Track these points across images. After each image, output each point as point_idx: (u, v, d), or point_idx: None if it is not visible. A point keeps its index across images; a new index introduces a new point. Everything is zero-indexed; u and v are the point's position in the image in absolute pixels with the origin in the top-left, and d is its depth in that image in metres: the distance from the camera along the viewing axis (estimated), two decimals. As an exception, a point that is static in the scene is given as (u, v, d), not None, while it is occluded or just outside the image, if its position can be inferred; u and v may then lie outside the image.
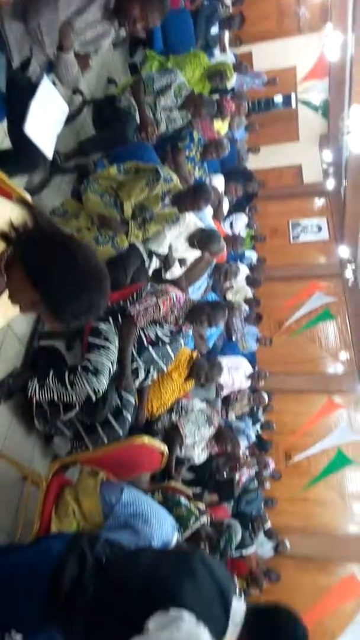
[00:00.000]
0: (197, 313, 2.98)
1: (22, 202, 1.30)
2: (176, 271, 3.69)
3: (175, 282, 3.55)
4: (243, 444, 5.21)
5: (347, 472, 8.10)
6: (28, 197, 1.50)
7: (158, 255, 3.57)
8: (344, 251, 9.85)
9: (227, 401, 6.36)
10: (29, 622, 1.41)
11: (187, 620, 1.23)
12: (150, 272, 3.61)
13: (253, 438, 5.97)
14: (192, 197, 3.07)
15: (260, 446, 6.55)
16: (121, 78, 5.00)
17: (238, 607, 1.42)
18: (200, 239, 3.60)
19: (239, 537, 3.13)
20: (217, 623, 1.32)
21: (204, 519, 2.67)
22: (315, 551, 7.25)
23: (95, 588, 1.37)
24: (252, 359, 7.28)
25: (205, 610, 1.29)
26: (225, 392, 6.27)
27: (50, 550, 1.53)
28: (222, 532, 2.95)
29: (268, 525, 6.35)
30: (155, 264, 3.66)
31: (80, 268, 1.14)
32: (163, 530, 2.18)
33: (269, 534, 6.48)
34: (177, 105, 3.85)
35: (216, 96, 4.93)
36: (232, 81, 6.42)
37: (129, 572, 1.42)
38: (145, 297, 2.91)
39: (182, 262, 3.79)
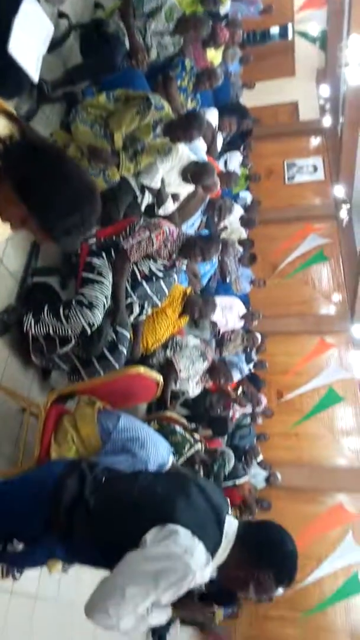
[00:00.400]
0: (190, 247, 2.97)
1: (8, 115, 1.25)
2: (169, 207, 3.64)
3: (168, 218, 3.50)
4: (236, 377, 5.32)
5: (337, 409, 8.35)
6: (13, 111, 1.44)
7: (150, 190, 3.50)
8: (339, 191, 9.71)
9: (220, 341, 6.45)
10: (31, 534, 1.48)
11: (183, 535, 1.31)
12: (142, 208, 3.56)
13: (246, 371, 6.09)
14: (184, 126, 2.97)
15: (254, 383, 6.69)
16: (109, 1, 4.72)
17: (231, 524, 1.50)
18: (194, 172, 3.52)
19: (231, 463, 3.26)
20: (211, 539, 1.39)
21: (199, 446, 2.77)
22: (305, 482, 7.60)
23: (95, 503, 1.43)
24: (245, 300, 7.32)
25: (199, 527, 1.36)
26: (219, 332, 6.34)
27: (52, 470, 1.59)
28: (216, 458, 3.08)
29: (260, 457, 6.61)
30: (147, 199, 3.60)
31: (71, 183, 1.11)
32: (159, 453, 2.27)
33: (261, 465, 6.76)
34: (168, 30, 3.66)
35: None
36: (227, 6, 6.08)
37: (127, 490, 1.48)
38: (138, 231, 2.88)
39: (175, 197, 3.72)
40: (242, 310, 6.60)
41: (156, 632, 4.27)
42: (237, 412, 6.00)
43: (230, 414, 5.76)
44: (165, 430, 2.73)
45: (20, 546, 1.54)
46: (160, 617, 1.39)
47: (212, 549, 1.38)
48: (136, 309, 3.07)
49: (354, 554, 6.81)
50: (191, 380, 3.67)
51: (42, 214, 1.11)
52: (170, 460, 2.37)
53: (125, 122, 2.94)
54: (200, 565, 1.32)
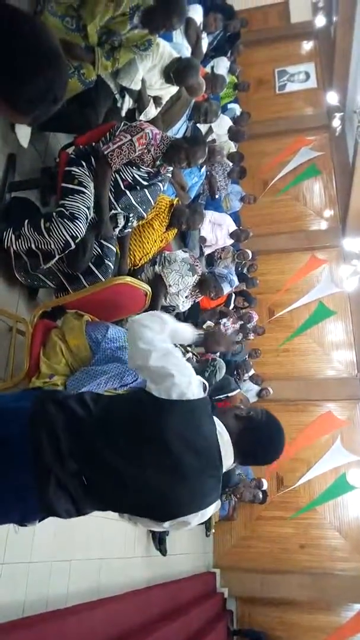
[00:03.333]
0: (175, 151, 2.80)
1: None
2: (151, 112, 3.41)
3: (151, 123, 3.28)
4: (226, 289, 5.30)
5: (328, 323, 8.45)
6: None
7: (131, 93, 3.26)
8: (332, 98, 9.22)
9: (211, 259, 6.37)
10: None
11: (194, 518, 1.38)
12: (123, 113, 3.33)
13: (236, 283, 6.07)
14: (163, 11, 2.69)
15: (246, 300, 6.70)
16: None
17: (225, 438, 1.43)
18: (176, 70, 3.26)
19: (222, 371, 3.30)
20: (215, 486, 1.40)
21: (189, 355, 2.78)
22: (296, 394, 7.85)
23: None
24: (235, 218, 7.15)
25: (202, 496, 1.38)
26: (209, 250, 6.25)
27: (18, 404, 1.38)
28: (207, 365, 3.10)
29: (252, 372, 6.76)
30: (128, 103, 3.36)
31: (30, 44, 0.98)
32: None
33: (253, 380, 6.92)
34: None
35: None
36: None
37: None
38: (118, 135, 2.70)
39: (157, 101, 3.48)
40: (232, 227, 6.46)
41: (156, 535, 4.55)
42: (228, 329, 6.04)
43: (222, 331, 5.81)
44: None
45: None
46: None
47: (217, 489, 1.41)
48: (121, 221, 2.95)
49: (342, 457, 7.17)
50: (181, 294, 3.63)
51: (0, 86, 0.98)
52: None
53: (98, 11, 2.66)
54: (212, 510, 1.41)
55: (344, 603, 6.91)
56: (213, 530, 6.87)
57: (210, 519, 5.63)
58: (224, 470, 1.42)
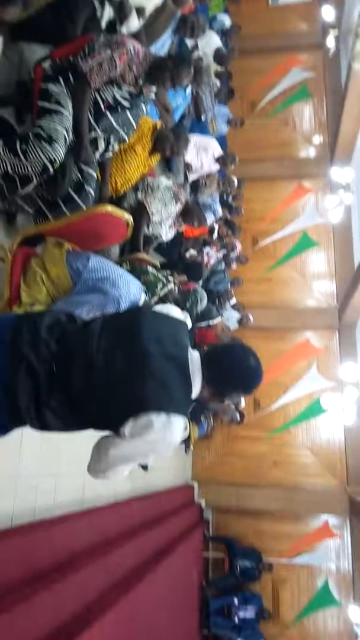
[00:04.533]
0: (159, 70, 2.65)
1: None
2: (133, 23, 3.19)
3: (133, 37, 3.08)
4: (210, 219, 5.25)
5: (310, 254, 8.49)
6: None
7: (111, 2, 3.03)
8: (328, 13, 8.65)
9: (196, 186, 6.22)
10: None
11: (159, 422, 1.34)
12: (103, 25, 3.11)
13: (220, 213, 6.00)
14: None
15: (230, 229, 6.64)
16: None
17: (194, 362, 1.50)
18: (161, -24, 3.02)
19: (204, 302, 3.35)
20: (182, 400, 1.42)
21: (171, 286, 2.81)
22: (276, 322, 8.04)
23: (55, 406, 1.40)
24: (222, 142, 6.90)
25: (170, 400, 1.37)
26: (193, 177, 6.08)
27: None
28: (189, 296, 3.14)
29: (234, 300, 6.85)
30: (108, 14, 3.13)
31: None
32: (131, 291, 2.29)
33: (235, 308, 7.03)
34: None
35: None
36: None
37: (91, 381, 1.40)
38: (98, 50, 2.54)
39: (140, 12, 3.25)
40: (218, 152, 6.26)
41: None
42: (212, 258, 6.04)
43: (205, 260, 5.81)
44: (137, 271, 2.73)
45: None
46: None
47: (186, 404, 1.45)
48: (101, 145, 2.84)
49: (317, 383, 7.50)
50: (164, 223, 3.59)
51: None
52: (142, 298, 2.41)
53: None
54: (180, 433, 1.40)
55: (312, 514, 7.51)
56: (192, 448, 7.27)
57: (189, 436, 5.93)
58: (193, 394, 1.50)
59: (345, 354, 7.76)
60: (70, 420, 1.44)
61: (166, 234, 3.73)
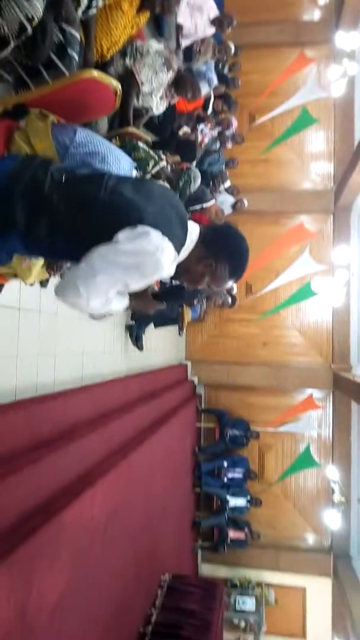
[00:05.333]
0: None
1: None
2: None
3: None
4: (204, 89, 4.89)
5: (309, 133, 8.07)
6: None
7: None
8: None
9: (189, 53, 5.69)
10: None
11: (154, 235, 1.36)
12: None
13: (215, 82, 5.58)
14: None
15: (226, 103, 6.20)
16: None
17: (193, 227, 1.59)
18: None
19: (197, 181, 3.23)
20: (178, 239, 1.47)
21: (164, 164, 2.69)
22: (270, 206, 7.88)
23: (57, 200, 1.40)
24: (219, 2, 6.17)
25: (168, 228, 1.41)
26: (187, 42, 5.55)
27: (2, 166, 1.48)
28: (182, 174, 3.02)
29: (228, 183, 6.63)
30: None
31: None
32: (121, 168, 2.19)
33: (229, 191, 6.83)
34: None
35: None
36: None
37: (93, 191, 1.45)
38: None
39: None
40: (214, 12, 5.63)
41: (133, 333, 4.97)
42: (206, 136, 5.72)
43: (199, 138, 5.50)
44: (128, 147, 2.59)
45: None
46: (120, 304, 1.55)
47: (178, 248, 1.48)
48: (84, 1, 2.55)
49: (309, 267, 7.55)
50: (154, 94, 3.33)
51: None
52: (133, 175, 2.31)
53: None
54: (169, 263, 1.42)
55: (298, 389, 8.01)
56: (185, 330, 7.53)
57: (182, 319, 6.10)
58: (184, 247, 1.53)
59: (339, 237, 7.73)
60: (64, 230, 1.41)
61: (157, 106, 3.48)
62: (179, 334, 7.51)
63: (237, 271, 1.60)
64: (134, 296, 1.62)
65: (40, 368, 3.07)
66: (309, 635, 7.71)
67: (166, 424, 5.04)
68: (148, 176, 2.65)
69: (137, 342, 4.99)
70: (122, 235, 1.36)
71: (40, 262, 2.51)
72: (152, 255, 1.36)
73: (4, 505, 2.09)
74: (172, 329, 6.96)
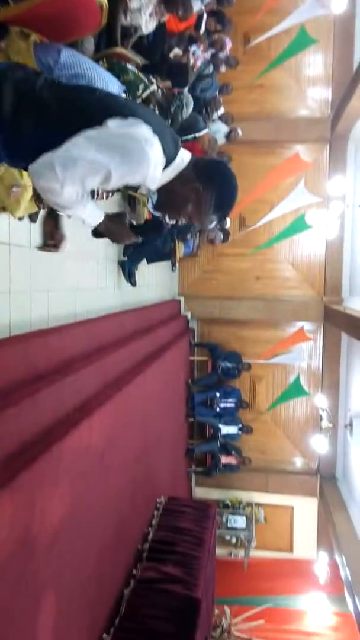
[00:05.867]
0: None
1: None
2: None
3: None
4: (196, 5, 4.56)
5: (307, 54, 7.65)
6: None
7: None
8: None
9: None
10: None
11: (145, 128, 1.31)
12: None
13: (208, -3, 5.19)
14: None
15: (219, 22, 5.81)
16: None
17: (184, 152, 1.52)
18: None
19: (190, 107, 3.10)
20: (168, 147, 1.40)
21: (154, 87, 2.56)
22: (266, 135, 7.60)
23: (48, 97, 1.33)
24: None
25: (160, 131, 1.35)
26: None
27: None
28: (174, 99, 2.89)
29: (222, 110, 6.35)
30: None
31: None
32: (109, 90, 2.09)
33: (223, 119, 6.55)
34: None
35: None
36: None
37: (85, 93, 1.39)
38: None
39: None
40: None
41: (125, 269, 4.94)
42: (198, 59, 5.40)
43: (192, 61, 5.20)
44: (116, 69, 2.45)
45: None
46: (94, 214, 1.48)
47: (167, 158, 1.41)
48: None
49: (303, 199, 7.40)
50: (143, 11, 3.11)
51: None
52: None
53: None
54: (156, 162, 1.34)
55: (289, 322, 8.12)
56: (178, 266, 7.49)
57: (175, 254, 6.05)
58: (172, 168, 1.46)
59: (334, 168, 7.53)
60: (51, 125, 1.32)
61: (146, 24, 3.26)
62: (172, 269, 7.48)
63: (222, 206, 1.54)
64: (110, 217, 1.56)
65: (33, 304, 3.07)
66: (295, 550, 8.31)
67: (160, 357, 5.14)
68: (138, 101, 2.53)
69: (130, 278, 4.98)
70: (113, 122, 1.30)
71: (28, 193, 2.45)
72: (139, 143, 1.29)
73: (5, 435, 2.17)
74: (165, 265, 6.92)
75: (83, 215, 1.43)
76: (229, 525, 7.88)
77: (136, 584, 3.75)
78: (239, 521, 7.90)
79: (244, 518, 7.95)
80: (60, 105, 1.32)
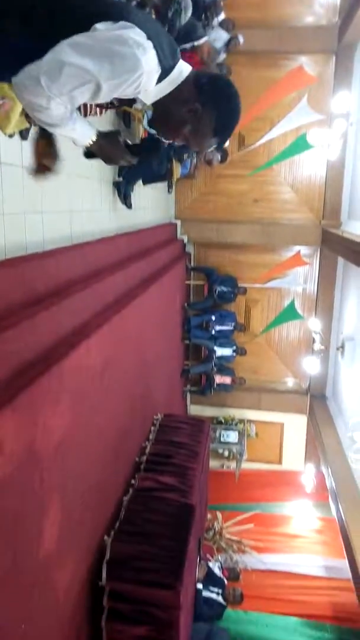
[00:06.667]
0: None
1: None
2: None
3: None
4: None
5: None
6: None
7: None
8: None
9: None
10: None
11: (138, 33, 1.17)
12: None
13: None
14: None
15: None
16: None
17: (183, 64, 1.38)
18: None
19: (189, 12, 2.89)
20: (165, 56, 1.26)
21: None
22: (268, 45, 7.11)
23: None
24: None
25: (156, 38, 1.22)
26: None
27: None
28: (171, 3, 2.68)
29: (222, 16, 5.90)
30: None
31: None
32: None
33: (224, 25, 6.09)
34: None
35: None
36: None
37: None
38: None
39: None
40: None
41: (121, 190, 4.83)
42: None
43: None
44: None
45: None
46: (85, 132, 1.38)
47: (163, 69, 1.28)
48: None
49: (306, 116, 7.06)
50: None
51: None
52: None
53: None
54: (149, 70, 1.22)
55: (286, 246, 8.07)
56: (174, 187, 7.31)
57: (172, 175, 5.89)
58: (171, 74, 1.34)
59: (340, 82, 7.12)
60: (37, 28, 1.20)
61: None
62: (168, 191, 7.31)
63: (223, 128, 1.41)
64: (103, 136, 1.44)
65: (28, 226, 3.04)
66: (284, 462, 8.84)
67: (157, 281, 5.16)
68: (133, 4, 2.35)
69: (126, 200, 4.88)
70: (101, 25, 1.16)
71: (18, 107, 2.34)
72: (131, 49, 1.15)
73: (5, 356, 2.24)
74: (161, 187, 6.75)
75: (73, 134, 1.34)
76: (222, 439, 8.32)
77: (135, 493, 4.03)
78: (232, 436, 8.34)
79: (236, 433, 8.38)
80: (47, 4, 1.19)
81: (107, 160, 1.52)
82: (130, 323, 4.09)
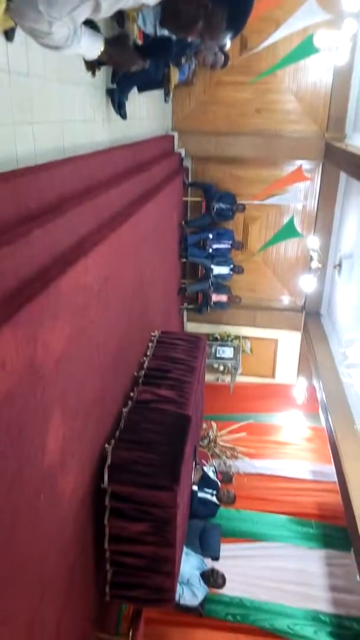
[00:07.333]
0: None
1: None
2: None
3: None
4: None
5: None
6: None
7: None
8: None
9: None
10: None
11: None
12: None
13: None
14: None
15: None
16: None
17: None
18: None
19: None
20: None
21: None
22: None
23: None
24: None
25: None
26: None
27: None
28: None
29: None
30: None
31: None
32: None
33: None
34: None
35: None
36: None
37: None
38: None
39: None
40: None
41: (115, 98, 4.57)
42: None
43: None
44: None
45: None
46: (92, 45, 1.32)
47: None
48: None
49: (313, 15, 6.50)
50: None
51: None
52: None
53: None
54: None
55: (288, 160, 7.79)
56: (171, 95, 6.90)
57: (169, 81, 5.56)
58: None
59: None
60: None
61: None
62: (165, 100, 6.90)
63: (236, 20, 1.34)
64: (111, 42, 1.37)
65: (17, 138, 2.91)
66: (277, 376, 9.16)
67: (153, 198, 5.04)
68: None
69: (120, 109, 4.63)
70: None
71: (2, 4, 2.16)
72: None
73: (2, 273, 2.25)
74: (158, 95, 6.37)
75: (80, 50, 1.29)
76: (217, 355, 8.56)
77: (134, 404, 4.23)
78: (227, 352, 8.57)
79: (232, 349, 8.61)
80: None
81: (119, 66, 1.45)
82: (127, 241, 4.06)
